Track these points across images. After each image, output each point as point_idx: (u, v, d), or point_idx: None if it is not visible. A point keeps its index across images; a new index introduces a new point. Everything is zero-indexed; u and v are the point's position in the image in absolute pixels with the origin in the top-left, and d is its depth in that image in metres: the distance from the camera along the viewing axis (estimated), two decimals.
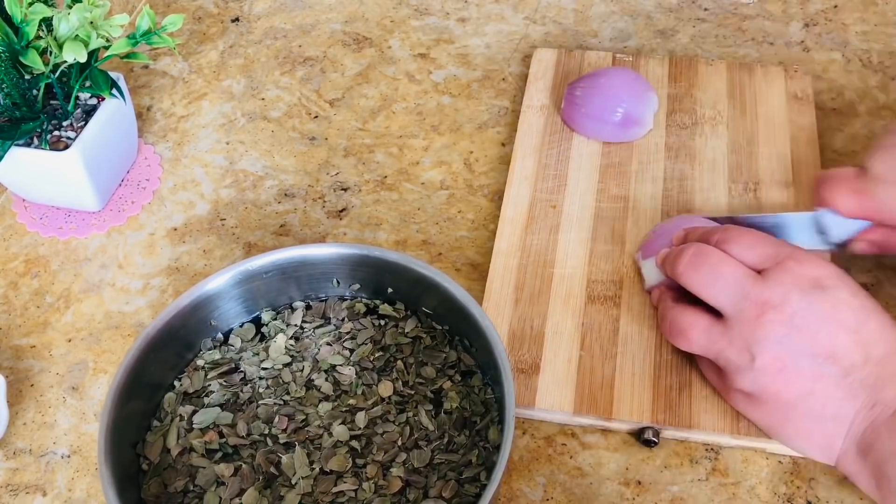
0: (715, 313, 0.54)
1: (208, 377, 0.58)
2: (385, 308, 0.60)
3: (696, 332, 0.54)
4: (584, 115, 0.71)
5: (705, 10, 0.84)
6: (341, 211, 0.72)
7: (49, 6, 0.63)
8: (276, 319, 0.61)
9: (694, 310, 0.55)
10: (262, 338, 0.60)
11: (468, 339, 0.57)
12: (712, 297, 0.54)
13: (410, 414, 0.55)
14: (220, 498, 0.52)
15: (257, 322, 0.61)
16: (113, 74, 0.68)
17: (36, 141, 0.67)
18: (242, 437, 0.55)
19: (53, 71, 0.64)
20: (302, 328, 0.60)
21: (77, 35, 0.63)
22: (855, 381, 0.50)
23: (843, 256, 0.65)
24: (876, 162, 0.58)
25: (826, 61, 0.79)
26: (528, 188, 0.69)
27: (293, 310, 0.61)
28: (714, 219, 0.63)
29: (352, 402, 0.56)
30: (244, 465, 0.54)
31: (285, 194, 0.73)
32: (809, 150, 0.70)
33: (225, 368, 0.58)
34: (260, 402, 0.57)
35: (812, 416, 0.51)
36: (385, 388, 0.56)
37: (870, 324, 0.51)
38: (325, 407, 0.56)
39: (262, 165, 0.76)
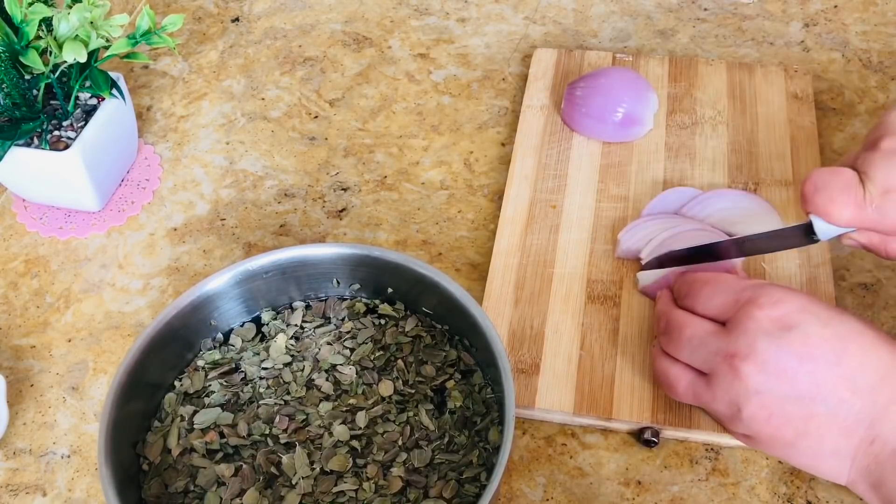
0: None
1: (209, 377, 0.58)
2: (385, 308, 0.60)
3: (681, 387, 0.53)
4: (584, 114, 0.71)
5: (705, 10, 0.84)
6: (341, 211, 0.72)
7: (49, 6, 0.63)
8: (276, 319, 0.61)
9: (680, 365, 0.54)
10: (263, 338, 0.60)
11: (468, 340, 0.57)
12: (687, 361, 0.53)
13: (411, 413, 0.55)
14: (221, 498, 0.52)
15: (257, 322, 0.61)
16: (113, 74, 0.68)
17: (36, 141, 0.67)
18: (243, 437, 0.55)
19: (53, 71, 0.64)
20: (302, 328, 0.60)
21: (77, 35, 0.63)
22: (848, 416, 0.48)
23: (841, 257, 0.65)
24: (879, 170, 0.52)
25: (826, 61, 0.79)
26: (528, 188, 0.69)
27: (293, 310, 0.61)
28: (715, 246, 0.61)
29: (352, 401, 0.56)
30: (245, 466, 0.54)
31: (285, 194, 0.73)
32: (809, 150, 0.70)
33: (225, 368, 0.58)
34: (260, 402, 0.57)
35: (811, 453, 0.50)
36: (385, 388, 0.56)
37: (849, 353, 0.48)
38: (325, 407, 0.56)
39: (262, 165, 0.76)
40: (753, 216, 0.64)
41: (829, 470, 0.50)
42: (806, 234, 0.57)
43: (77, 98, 0.69)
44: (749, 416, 0.49)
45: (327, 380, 0.57)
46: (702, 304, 0.53)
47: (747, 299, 0.50)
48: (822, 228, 0.55)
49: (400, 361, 0.58)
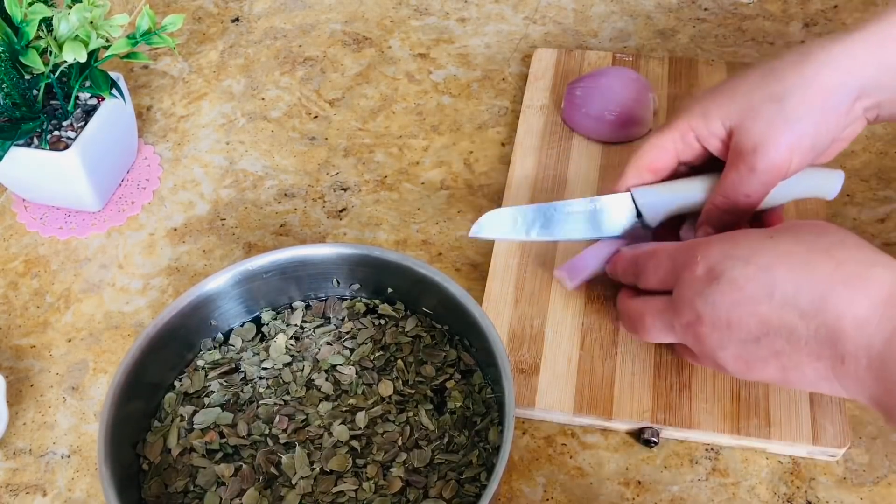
0: None
1: (209, 377, 0.58)
2: (385, 308, 0.60)
3: (691, 360, 0.55)
4: (584, 115, 0.71)
5: (705, 10, 0.84)
6: (341, 211, 0.72)
7: (49, 6, 0.63)
8: (276, 319, 0.61)
9: (682, 348, 0.55)
10: (263, 338, 0.60)
11: (468, 340, 0.57)
12: (664, 341, 0.55)
13: (410, 414, 0.55)
14: (221, 498, 0.52)
15: (257, 322, 0.61)
16: (113, 74, 0.68)
17: (36, 141, 0.67)
18: (243, 437, 0.55)
19: (53, 71, 0.64)
20: (302, 328, 0.60)
21: (77, 35, 0.63)
22: (810, 341, 0.46)
23: None
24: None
25: None
26: (528, 188, 0.69)
27: (293, 310, 0.61)
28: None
29: (352, 401, 0.56)
30: (244, 466, 0.54)
31: (285, 194, 0.73)
32: None
33: (225, 368, 0.58)
34: (260, 402, 0.57)
35: (805, 383, 0.49)
36: (385, 388, 0.56)
37: (780, 281, 0.47)
38: (325, 407, 0.56)
39: (262, 165, 0.76)
40: None
41: (832, 392, 0.48)
42: (636, 214, 0.59)
43: (77, 98, 0.69)
44: (734, 370, 0.50)
45: (327, 380, 0.57)
46: (651, 280, 0.54)
47: (681, 266, 0.51)
48: (645, 202, 0.58)
49: (400, 361, 0.58)
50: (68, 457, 0.60)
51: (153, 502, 0.53)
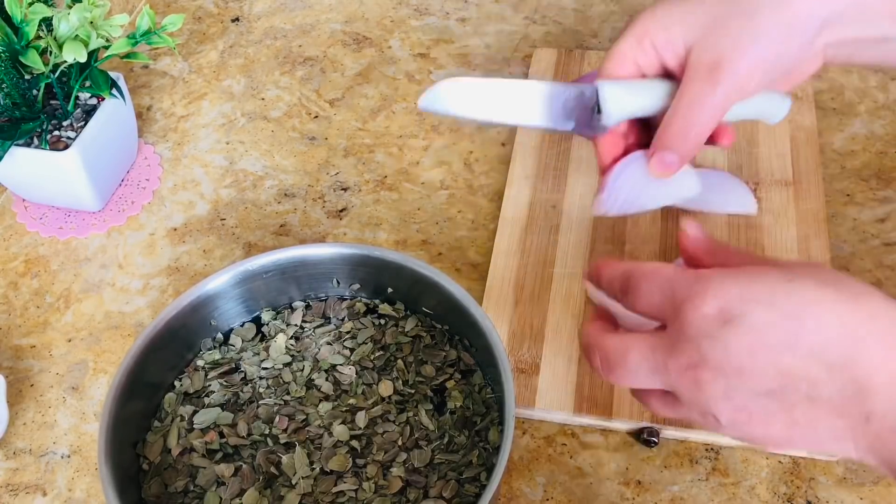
0: None
1: (209, 377, 0.58)
2: (385, 308, 0.60)
3: (658, 410, 0.49)
4: None
5: None
6: (341, 211, 0.72)
7: (49, 6, 0.63)
8: (276, 319, 0.61)
9: (641, 391, 0.49)
10: (263, 337, 0.60)
11: (468, 340, 0.57)
12: (645, 386, 0.48)
13: (411, 414, 0.55)
14: (221, 498, 0.52)
15: (257, 322, 0.61)
16: (113, 74, 0.68)
17: (36, 141, 0.67)
18: (243, 437, 0.55)
19: (53, 71, 0.64)
20: (302, 328, 0.60)
21: (77, 35, 0.63)
22: (833, 396, 0.43)
23: (840, 256, 0.65)
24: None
25: None
26: (528, 188, 0.69)
27: (293, 309, 0.61)
28: None
29: (352, 401, 0.56)
30: (244, 466, 0.54)
31: (285, 194, 0.73)
32: (809, 150, 0.70)
33: (225, 368, 0.58)
34: (260, 402, 0.57)
35: (809, 441, 0.45)
36: (385, 388, 0.56)
37: (806, 329, 0.43)
38: (325, 407, 0.56)
39: (262, 165, 0.76)
40: (718, 189, 0.64)
41: (836, 452, 0.45)
42: (596, 109, 0.55)
43: (77, 98, 0.69)
44: (729, 422, 0.45)
45: (327, 380, 0.58)
46: (641, 303, 0.48)
47: (683, 298, 0.46)
48: (609, 99, 0.54)
49: (400, 361, 0.58)
50: (68, 457, 0.60)
51: (153, 502, 0.53)
